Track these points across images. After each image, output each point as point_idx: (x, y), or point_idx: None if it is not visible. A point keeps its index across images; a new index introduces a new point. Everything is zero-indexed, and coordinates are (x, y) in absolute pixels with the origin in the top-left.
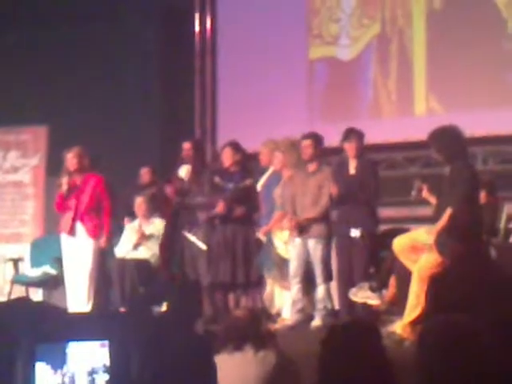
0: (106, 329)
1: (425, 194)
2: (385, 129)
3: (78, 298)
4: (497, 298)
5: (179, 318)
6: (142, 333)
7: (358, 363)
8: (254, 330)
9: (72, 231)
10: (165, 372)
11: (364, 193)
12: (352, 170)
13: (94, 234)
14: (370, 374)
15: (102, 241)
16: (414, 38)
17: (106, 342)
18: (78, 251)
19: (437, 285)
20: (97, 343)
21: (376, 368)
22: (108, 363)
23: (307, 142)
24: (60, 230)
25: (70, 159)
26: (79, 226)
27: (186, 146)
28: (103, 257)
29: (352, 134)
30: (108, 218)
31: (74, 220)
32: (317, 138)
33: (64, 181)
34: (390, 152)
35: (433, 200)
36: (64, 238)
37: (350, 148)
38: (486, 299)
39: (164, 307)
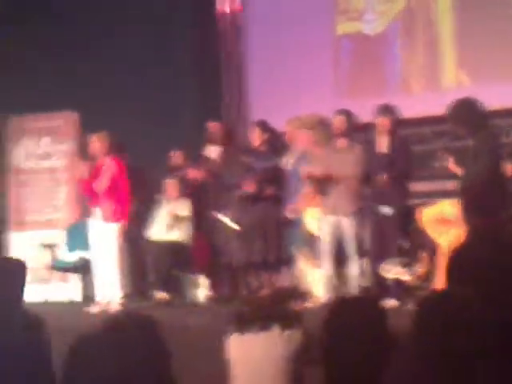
0: None
1: (450, 165)
2: (413, 103)
3: (106, 284)
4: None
5: None
6: None
7: (359, 340)
8: (280, 309)
9: (93, 215)
10: None
11: (393, 171)
12: (383, 148)
13: (112, 217)
14: (370, 350)
15: (121, 226)
16: (440, 10)
17: None
18: (101, 236)
19: (453, 259)
20: None
21: (377, 344)
22: None
23: (341, 118)
24: None
25: (92, 144)
26: (98, 210)
27: (212, 125)
28: (129, 240)
29: (388, 109)
30: (125, 202)
31: (93, 204)
32: (349, 114)
33: (82, 165)
34: (418, 127)
35: (458, 171)
36: (90, 222)
37: (383, 123)
38: (495, 276)
39: None
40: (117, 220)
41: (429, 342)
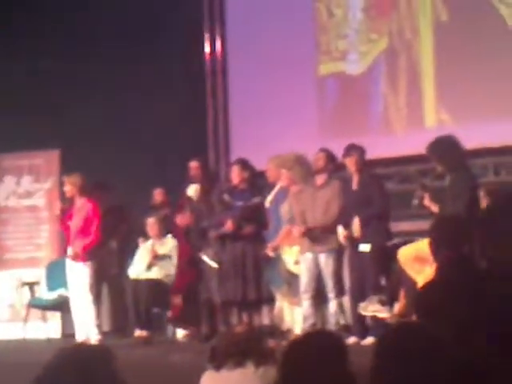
0: None
1: (426, 201)
2: (396, 142)
3: (83, 321)
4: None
5: None
6: None
7: (318, 375)
8: (255, 345)
9: (66, 254)
10: None
11: (368, 207)
12: (354, 186)
13: (82, 257)
14: None
15: (90, 265)
16: (421, 50)
17: None
18: (73, 275)
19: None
20: None
21: (336, 380)
22: None
23: (320, 155)
24: None
25: (65, 186)
26: (70, 250)
27: (193, 164)
28: (109, 279)
29: (352, 149)
30: (92, 239)
31: (67, 244)
32: (330, 154)
33: (57, 206)
34: (402, 165)
35: (435, 208)
36: (66, 261)
37: (350, 163)
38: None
39: None
40: (87, 260)
41: (387, 373)
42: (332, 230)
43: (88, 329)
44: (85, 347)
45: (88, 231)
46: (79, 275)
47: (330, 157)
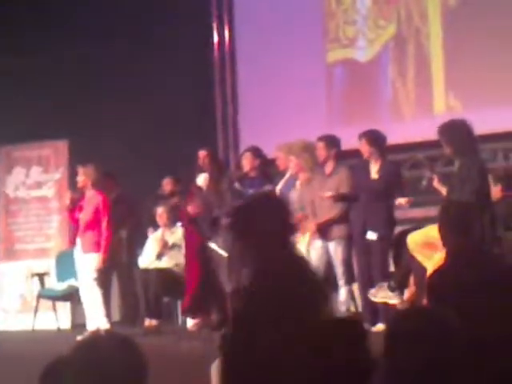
0: None
1: (435, 183)
2: (405, 129)
3: (93, 312)
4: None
5: None
6: None
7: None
8: None
9: (74, 245)
10: None
11: (389, 196)
12: (374, 174)
13: (91, 249)
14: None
15: (99, 259)
16: (430, 36)
17: None
18: (81, 266)
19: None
20: None
21: (355, 365)
22: None
23: (320, 144)
24: None
25: (78, 177)
26: (79, 241)
27: (202, 154)
28: (120, 268)
29: (362, 135)
30: (106, 236)
31: (75, 235)
32: (330, 140)
33: (67, 196)
34: (411, 152)
35: (443, 190)
36: (75, 252)
37: (361, 150)
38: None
39: None
40: (95, 252)
41: (398, 359)
42: (340, 222)
43: (97, 319)
44: (103, 337)
45: (97, 224)
46: (87, 266)
47: (330, 143)
